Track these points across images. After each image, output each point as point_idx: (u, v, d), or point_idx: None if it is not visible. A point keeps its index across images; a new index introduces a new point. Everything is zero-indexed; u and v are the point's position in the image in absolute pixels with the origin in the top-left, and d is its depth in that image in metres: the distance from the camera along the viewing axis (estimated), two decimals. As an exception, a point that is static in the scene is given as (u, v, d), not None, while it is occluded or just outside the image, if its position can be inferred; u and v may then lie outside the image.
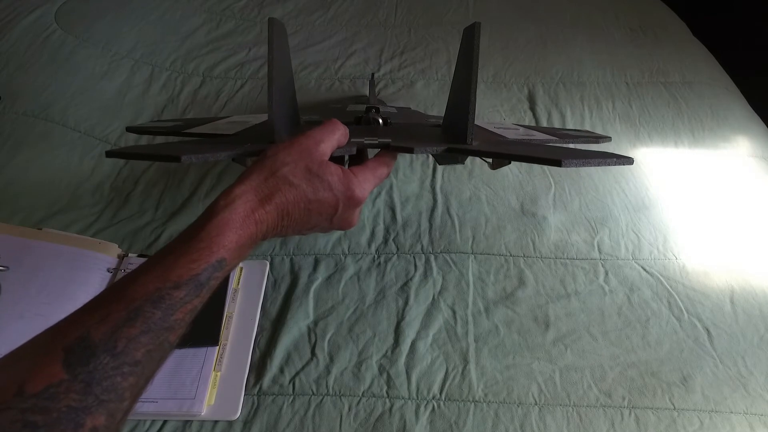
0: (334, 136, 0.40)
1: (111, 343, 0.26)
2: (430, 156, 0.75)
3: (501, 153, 0.44)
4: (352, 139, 0.44)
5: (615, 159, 0.41)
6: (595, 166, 0.41)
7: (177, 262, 0.30)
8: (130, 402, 0.27)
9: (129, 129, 0.61)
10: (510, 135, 0.56)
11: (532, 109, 0.87)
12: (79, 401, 0.24)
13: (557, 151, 0.44)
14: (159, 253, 0.31)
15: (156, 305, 0.28)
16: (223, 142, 0.51)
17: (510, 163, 0.47)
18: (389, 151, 0.45)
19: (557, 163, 0.38)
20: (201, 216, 0.33)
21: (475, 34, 0.44)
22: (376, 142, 0.45)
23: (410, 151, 0.44)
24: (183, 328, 0.30)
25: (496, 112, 0.87)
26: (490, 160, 0.47)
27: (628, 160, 0.41)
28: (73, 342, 0.26)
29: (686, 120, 0.84)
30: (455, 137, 0.47)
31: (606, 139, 0.61)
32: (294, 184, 0.36)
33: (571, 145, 0.58)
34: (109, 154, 0.41)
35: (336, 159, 0.41)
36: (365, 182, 0.40)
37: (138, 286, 0.29)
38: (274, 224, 0.36)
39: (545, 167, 0.74)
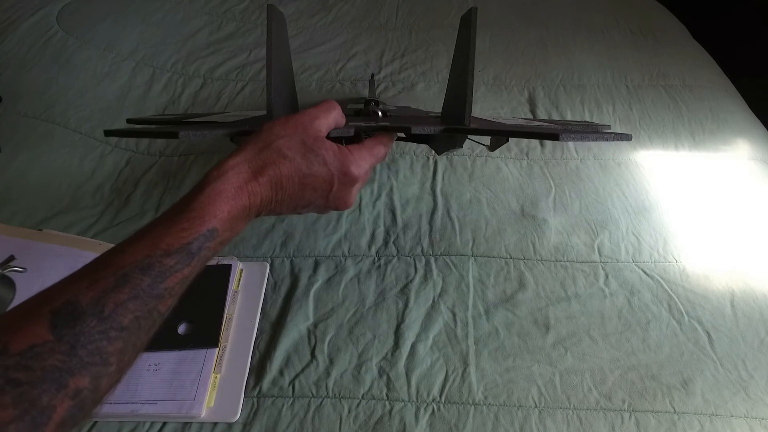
0: (330, 114, 0.40)
1: (98, 308, 0.26)
2: (431, 158, 0.75)
3: (498, 130, 0.44)
4: (350, 123, 0.44)
5: (613, 135, 0.41)
6: (592, 141, 0.41)
7: (168, 231, 0.30)
8: (117, 368, 0.27)
9: (129, 121, 0.62)
10: (509, 123, 0.56)
11: (533, 111, 0.87)
12: (64, 362, 0.24)
13: (555, 129, 0.44)
14: (150, 223, 0.31)
15: (145, 272, 0.28)
16: (222, 124, 0.51)
17: (507, 140, 0.48)
18: (387, 131, 0.45)
19: (554, 137, 0.38)
20: (193, 187, 0.33)
21: (472, 19, 0.44)
22: (374, 124, 0.45)
23: (408, 131, 0.44)
24: (173, 298, 0.30)
25: (497, 114, 0.87)
26: (487, 144, 0.47)
27: (627, 137, 0.41)
28: (60, 305, 0.26)
29: (686, 123, 0.84)
30: (453, 121, 0.47)
31: (605, 127, 0.61)
32: (288, 156, 0.36)
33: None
34: (108, 133, 0.41)
35: (334, 141, 0.40)
36: (361, 160, 0.40)
37: (128, 254, 0.29)
38: (267, 197, 0.36)
39: (546, 170, 0.74)
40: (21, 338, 0.24)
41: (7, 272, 0.55)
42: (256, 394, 0.50)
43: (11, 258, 0.57)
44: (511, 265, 0.62)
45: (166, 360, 0.51)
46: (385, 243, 0.64)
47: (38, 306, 0.26)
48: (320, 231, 0.65)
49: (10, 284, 0.54)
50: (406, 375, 0.52)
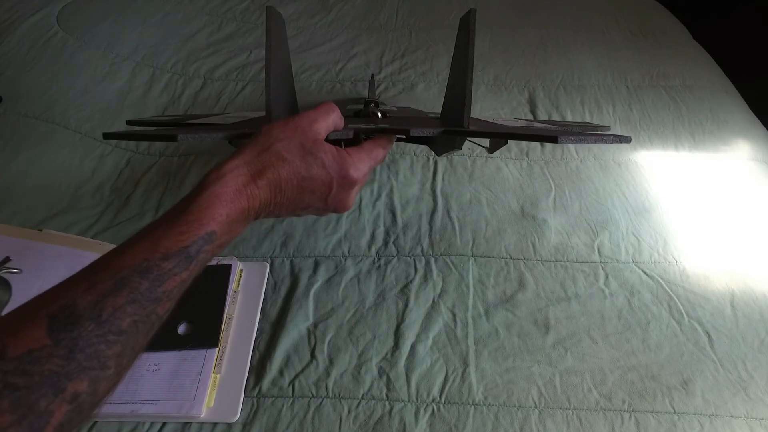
0: (329, 117, 0.40)
1: (96, 312, 0.26)
2: (431, 158, 0.75)
3: (497, 133, 0.44)
4: (349, 125, 0.44)
5: (612, 137, 0.41)
6: (591, 143, 0.41)
7: (166, 234, 0.30)
8: (115, 371, 0.27)
9: (129, 122, 0.62)
10: (509, 124, 0.56)
11: (533, 112, 0.87)
12: (62, 366, 0.24)
13: (554, 131, 0.44)
14: (148, 226, 0.31)
15: (143, 276, 0.28)
16: (220, 126, 0.51)
17: (506, 142, 0.48)
18: (386, 134, 0.45)
19: (553, 140, 0.38)
20: (192, 190, 0.33)
21: (471, 20, 0.44)
22: (373, 126, 0.46)
23: (406, 133, 0.44)
24: (172, 301, 0.30)
25: (497, 114, 0.87)
26: (486, 145, 0.47)
27: (626, 139, 0.41)
28: (58, 309, 0.26)
29: (686, 123, 0.84)
30: (452, 122, 0.47)
31: (605, 128, 0.61)
32: (287, 159, 0.36)
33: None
34: (107, 135, 0.41)
35: (333, 143, 0.41)
36: (360, 162, 0.40)
37: (126, 257, 0.29)
38: (266, 200, 0.36)
39: (546, 170, 0.74)
40: (19, 342, 0.24)
41: (2, 273, 0.55)
42: (255, 394, 0.50)
43: (7, 259, 0.57)
44: (511, 265, 0.62)
45: (166, 360, 0.51)
46: (385, 243, 0.64)
47: (36, 309, 0.26)
48: (320, 231, 0.65)
49: (6, 286, 0.54)
50: (406, 375, 0.52)
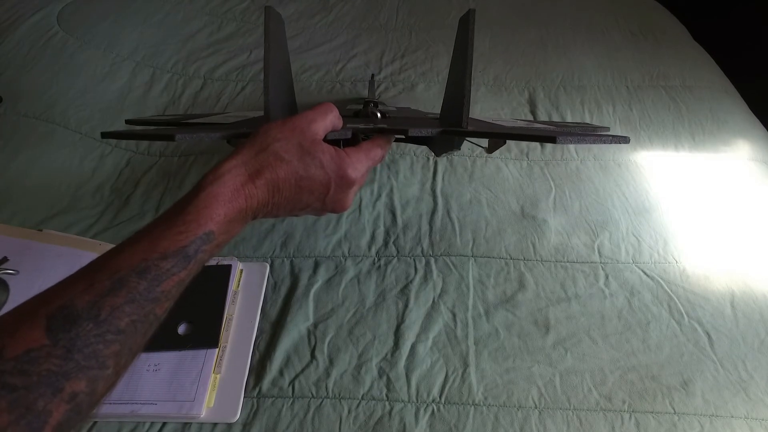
0: (327, 117, 0.40)
1: (94, 311, 0.26)
2: (431, 159, 0.75)
3: (495, 133, 0.44)
4: (348, 125, 0.44)
5: (611, 138, 0.41)
6: (590, 143, 0.41)
7: (164, 234, 0.30)
8: (114, 371, 0.27)
9: (128, 121, 0.62)
10: (508, 125, 0.56)
11: (533, 112, 0.87)
12: (60, 366, 0.24)
13: (552, 131, 0.44)
14: (147, 226, 0.31)
15: (141, 276, 0.28)
16: (219, 126, 0.51)
17: (505, 143, 0.48)
18: (384, 134, 0.45)
19: (552, 140, 0.38)
20: (190, 190, 0.33)
21: (470, 20, 0.44)
22: (372, 126, 0.46)
23: (404, 133, 0.44)
24: (170, 301, 0.30)
25: (497, 115, 0.87)
26: (485, 145, 0.47)
27: (624, 139, 0.41)
28: (56, 309, 0.26)
29: (686, 123, 0.84)
30: (451, 122, 0.47)
31: (605, 129, 0.61)
32: (285, 159, 0.36)
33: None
34: (105, 135, 0.42)
35: (332, 144, 0.41)
36: (358, 163, 0.40)
37: (124, 257, 0.29)
38: (264, 200, 0.36)
39: (546, 170, 0.74)
40: (17, 342, 0.24)
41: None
42: (255, 395, 0.50)
43: (4, 260, 0.57)
44: (511, 265, 0.62)
45: (166, 360, 0.51)
46: (385, 243, 0.64)
47: (34, 309, 0.26)
48: (320, 231, 0.65)
49: (3, 286, 0.54)
50: (406, 375, 0.52)
